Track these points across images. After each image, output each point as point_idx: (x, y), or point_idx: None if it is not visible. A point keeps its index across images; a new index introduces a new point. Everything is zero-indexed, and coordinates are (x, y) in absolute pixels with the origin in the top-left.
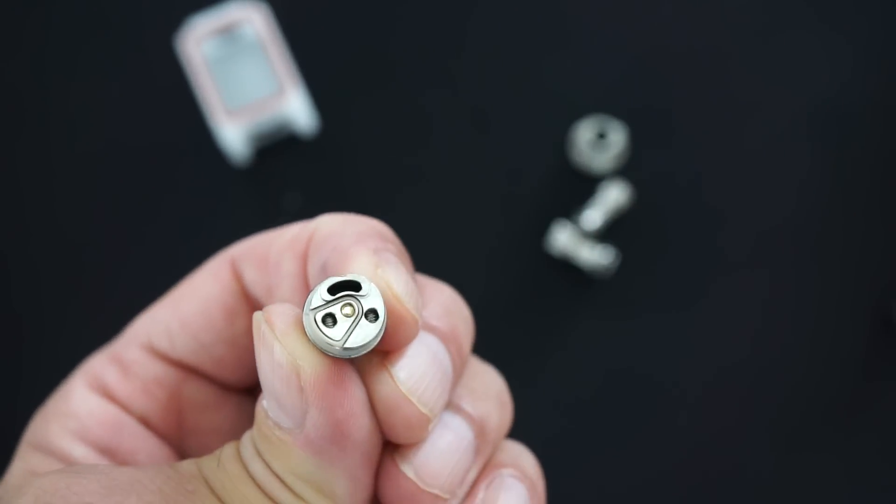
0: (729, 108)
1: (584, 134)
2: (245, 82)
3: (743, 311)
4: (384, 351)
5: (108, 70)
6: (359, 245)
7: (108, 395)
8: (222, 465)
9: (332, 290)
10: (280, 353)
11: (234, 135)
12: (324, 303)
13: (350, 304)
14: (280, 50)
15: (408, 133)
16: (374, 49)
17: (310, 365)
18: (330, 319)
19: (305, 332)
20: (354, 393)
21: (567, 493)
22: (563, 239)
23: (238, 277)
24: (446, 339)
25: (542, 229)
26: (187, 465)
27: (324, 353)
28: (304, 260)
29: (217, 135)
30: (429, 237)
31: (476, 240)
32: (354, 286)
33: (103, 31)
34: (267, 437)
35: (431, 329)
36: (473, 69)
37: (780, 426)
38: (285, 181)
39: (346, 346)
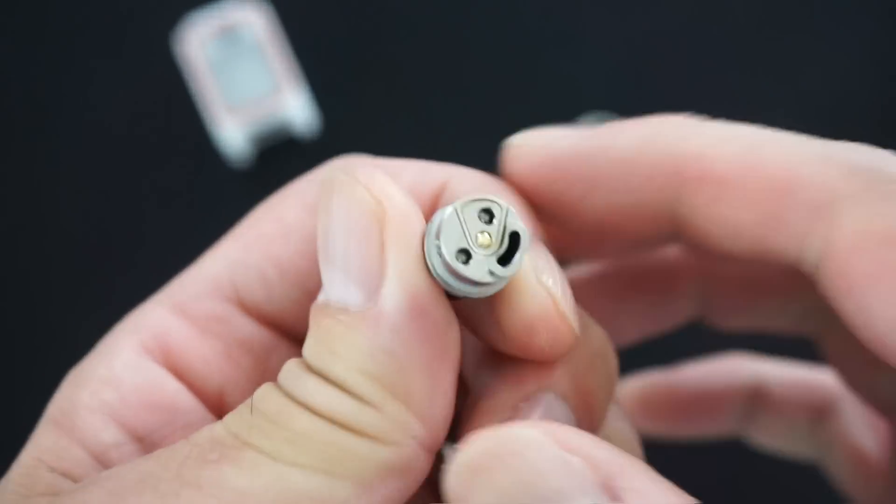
0: (728, 107)
1: None
2: (245, 82)
3: None
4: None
5: (107, 70)
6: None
7: (171, 363)
8: (257, 409)
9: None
10: (363, 195)
11: (233, 135)
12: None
13: (488, 233)
14: (280, 50)
15: (408, 133)
16: (374, 49)
17: (397, 208)
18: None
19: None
20: None
21: None
22: None
23: None
24: None
25: None
26: (206, 431)
27: (444, 276)
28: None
29: (216, 135)
30: None
31: None
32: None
33: (101, 31)
34: (328, 329)
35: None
36: (473, 68)
37: None
38: (285, 181)
39: (496, 272)
